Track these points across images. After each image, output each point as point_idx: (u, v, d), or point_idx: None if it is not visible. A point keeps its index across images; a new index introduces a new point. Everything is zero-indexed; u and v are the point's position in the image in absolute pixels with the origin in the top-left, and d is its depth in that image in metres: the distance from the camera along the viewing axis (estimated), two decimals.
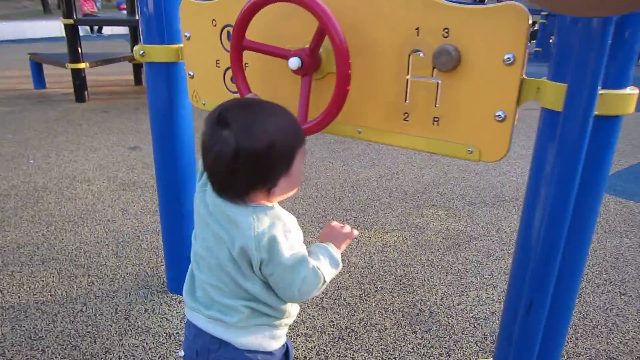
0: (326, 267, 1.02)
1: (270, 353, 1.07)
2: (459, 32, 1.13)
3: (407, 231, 2.75)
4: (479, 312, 2.04)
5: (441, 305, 2.07)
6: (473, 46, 1.13)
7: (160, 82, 1.76)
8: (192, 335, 1.09)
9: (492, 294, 2.17)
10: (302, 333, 1.88)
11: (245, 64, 1.53)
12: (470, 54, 1.13)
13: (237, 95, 1.58)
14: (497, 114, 1.14)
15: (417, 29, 1.19)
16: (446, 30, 1.15)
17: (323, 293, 2.10)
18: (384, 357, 1.76)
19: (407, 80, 1.24)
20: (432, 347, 1.82)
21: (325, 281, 1.00)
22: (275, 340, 1.07)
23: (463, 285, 2.23)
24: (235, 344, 1.03)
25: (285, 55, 1.32)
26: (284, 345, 1.11)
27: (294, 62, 1.28)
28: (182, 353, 1.13)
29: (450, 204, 3.12)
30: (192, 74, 1.69)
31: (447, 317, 2.00)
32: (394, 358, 1.75)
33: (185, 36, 1.64)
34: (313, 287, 0.99)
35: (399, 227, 2.78)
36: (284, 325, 1.09)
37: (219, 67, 1.61)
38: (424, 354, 1.78)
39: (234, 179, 0.95)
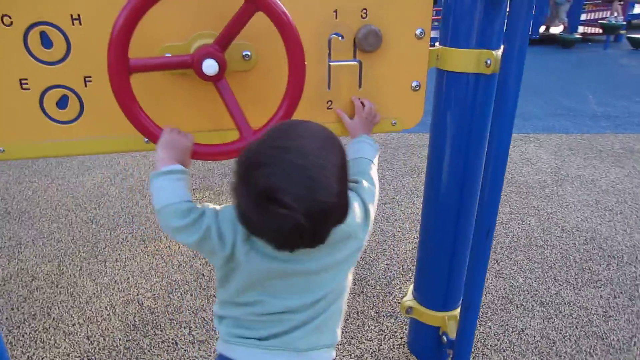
0: (373, 155, 1.12)
1: None
2: (376, 12, 1.16)
3: None
4: None
5: None
6: (390, 24, 1.18)
7: None
8: None
9: None
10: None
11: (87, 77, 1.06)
12: (388, 32, 1.18)
13: (67, 127, 1.09)
14: (413, 84, 1.26)
15: (335, 11, 1.13)
16: (364, 11, 1.15)
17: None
18: None
19: (329, 66, 1.18)
20: None
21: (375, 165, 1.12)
22: None
23: None
24: None
25: (186, 62, 1.00)
26: None
27: (212, 66, 0.99)
28: None
29: (211, 184, 3.06)
30: None
31: None
32: None
33: None
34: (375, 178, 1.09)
35: None
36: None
37: (27, 89, 1.04)
38: None
39: (324, 229, 0.81)
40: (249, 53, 1.11)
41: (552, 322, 1.85)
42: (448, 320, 1.56)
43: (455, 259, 1.52)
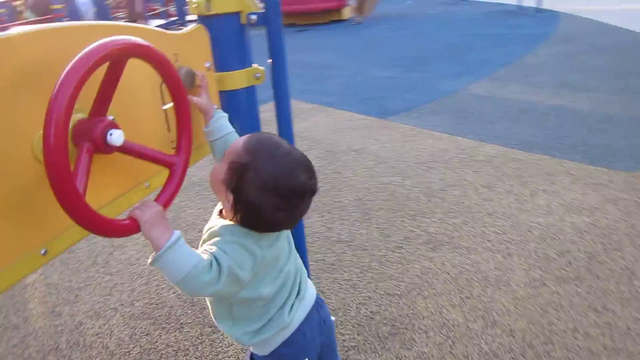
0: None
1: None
2: (183, 55, 1.32)
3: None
4: None
5: None
6: (191, 63, 1.36)
7: None
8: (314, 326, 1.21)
9: None
10: None
11: None
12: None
13: None
14: (214, 107, 1.49)
15: None
16: (176, 55, 1.29)
17: None
18: None
19: (165, 110, 1.26)
20: None
21: None
22: None
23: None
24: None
25: (91, 148, 0.93)
26: None
27: (120, 135, 0.96)
28: None
29: None
30: None
31: None
32: None
33: None
34: None
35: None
36: None
37: None
38: None
39: None
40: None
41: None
42: None
43: None
